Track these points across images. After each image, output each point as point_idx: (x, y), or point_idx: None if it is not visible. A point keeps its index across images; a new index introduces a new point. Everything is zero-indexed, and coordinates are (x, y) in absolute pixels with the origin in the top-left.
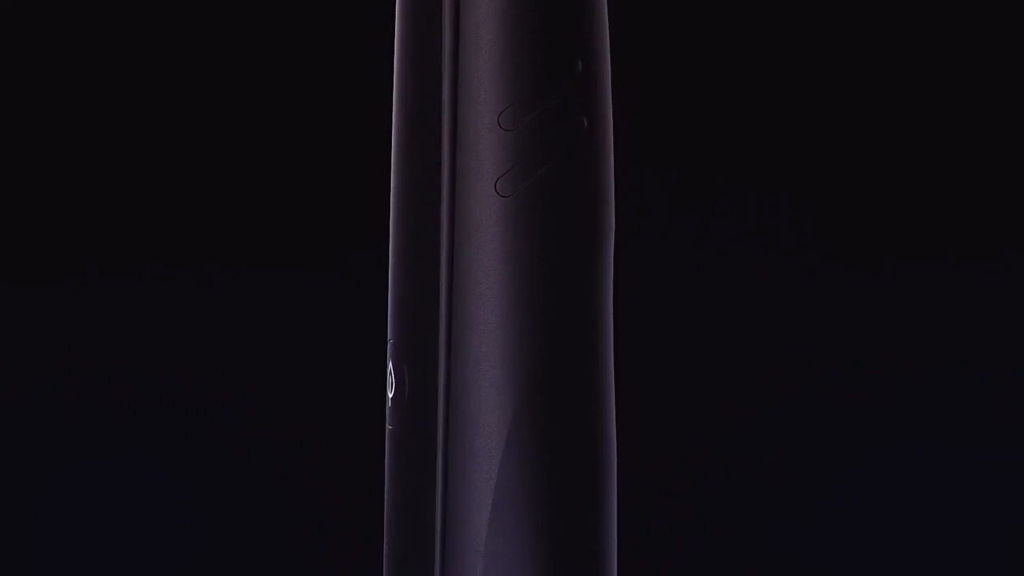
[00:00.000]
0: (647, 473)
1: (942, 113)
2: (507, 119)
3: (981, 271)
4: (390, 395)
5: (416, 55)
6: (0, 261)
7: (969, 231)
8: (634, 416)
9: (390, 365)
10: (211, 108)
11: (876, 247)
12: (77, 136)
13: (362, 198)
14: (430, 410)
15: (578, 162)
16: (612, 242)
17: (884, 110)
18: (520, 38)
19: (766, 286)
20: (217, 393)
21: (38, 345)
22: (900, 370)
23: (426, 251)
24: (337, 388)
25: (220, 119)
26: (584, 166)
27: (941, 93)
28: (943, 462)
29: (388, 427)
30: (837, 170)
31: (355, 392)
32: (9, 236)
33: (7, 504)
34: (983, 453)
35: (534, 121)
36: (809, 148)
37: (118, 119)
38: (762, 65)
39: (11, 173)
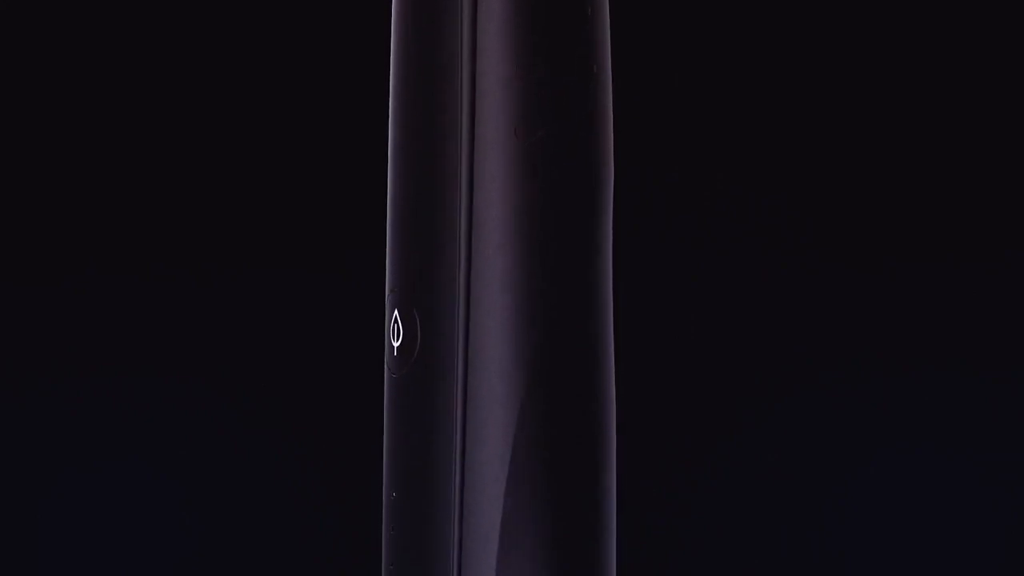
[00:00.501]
0: (647, 472)
1: (942, 113)
2: (524, 66)
3: (981, 271)
4: (396, 344)
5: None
6: (0, 261)
7: (969, 231)
8: (634, 415)
9: (395, 314)
10: (210, 102)
11: (876, 247)
12: (77, 136)
13: (361, 194)
14: (446, 355)
15: (589, 106)
16: (612, 188)
17: (884, 110)
18: None
19: (766, 286)
20: (217, 393)
21: (38, 345)
22: (900, 370)
23: (439, 198)
24: (337, 388)
25: (219, 110)
26: (594, 109)
27: (941, 93)
28: (943, 462)
29: (392, 376)
30: (837, 170)
31: (355, 391)
32: (9, 236)
33: (7, 504)
34: (983, 453)
35: (551, 67)
36: (809, 148)
37: (118, 119)
38: (762, 65)
39: (11, 173)
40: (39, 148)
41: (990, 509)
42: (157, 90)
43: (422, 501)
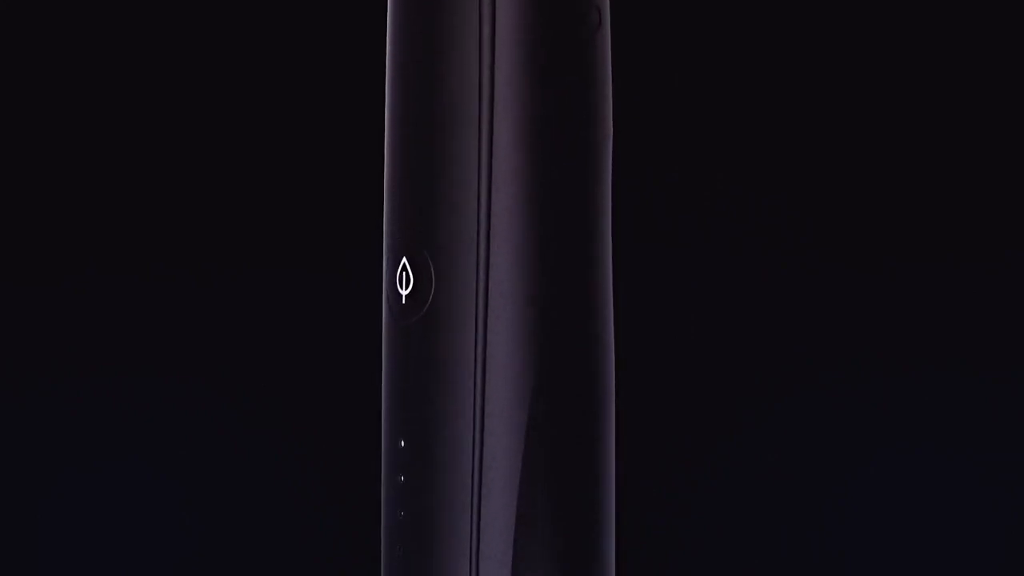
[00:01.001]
0: (647, 471)
1: (942, 112)
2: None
3: (981, 271)
4: (404, 292)
5: None
6: (0, 261)
7: (970, 230)
8: (634, 415)
9: (404, 261)
10: (210, 102)
11: (876, 247)
12: (77, 136)
13: (359, 193)
14: (463, 298)
15: (591, 52)
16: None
17: (884, 109)
18: None
19: (766, 286)
20: (217, 393)
21: (38, 345)
22: (900, 370)
23: (455, 146)
24: (337, 388)
25: (218, 109)
26: (595, 56)
27: (941, 92)
28: (943, 462)
29: (401, 324)
30: (838, 170)
31: (354, 391)
32: (9, 236)
33: (7, 504)
34: (983, 453)
35: (561, 12)
36: (809, 148)
37: (118, 119)
38: (762, 64)
39: (11, 173)
40: (39, 148)
41: (990, 509)
42: (156, 90)
43: (437, 445)
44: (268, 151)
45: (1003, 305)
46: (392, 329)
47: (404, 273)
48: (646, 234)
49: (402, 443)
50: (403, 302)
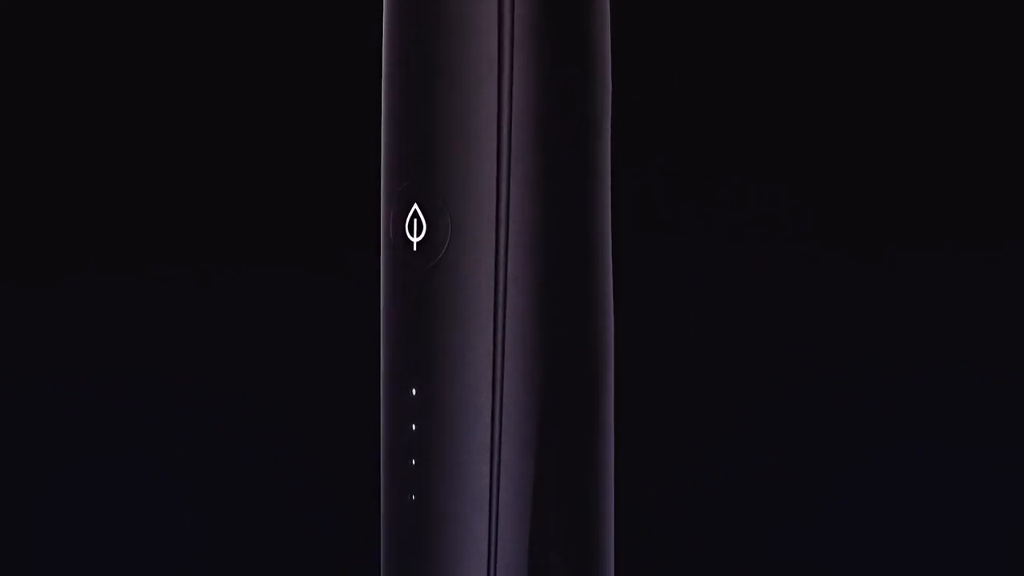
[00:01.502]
0: (647, 472)
1: (944, 103)
2: None
3: (984, 265)
4: (416, 239)
5: None
6: (0, 261)
7: (973, 221)
8: (634, 415)
9: (415, 208)
10: (210, 100)
11: (877, 247)
12: (77, 136)
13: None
14: (483, 245)
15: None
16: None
17: (886, 98)
18: None
19: (766, 285)
20: (217, 393)
21: (38, 345)
22: (900, 370)
23: (476, 98)
24: (336, 388)
25: (218, 108)
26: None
27: (941, 83)
28: (943, 462)
29: (412, 270)
30: (839, 167)
31: (354, 391)
32: (9, 236)
33: (7, 504)
34: (983, 453)
35: None
36: (810, 144)
37: (118, 119)
38: (762, 55)
39: (11, 173)
40: (39, 148)
41: (990, 509)
42: (156, 90)
43: (455, 390)
44: (267, 151)
45: (1006, 302)
46: (400, 275)
47: (415, 219)
48: (646, 223)
49: (413, 391)
50: (414, 249)
